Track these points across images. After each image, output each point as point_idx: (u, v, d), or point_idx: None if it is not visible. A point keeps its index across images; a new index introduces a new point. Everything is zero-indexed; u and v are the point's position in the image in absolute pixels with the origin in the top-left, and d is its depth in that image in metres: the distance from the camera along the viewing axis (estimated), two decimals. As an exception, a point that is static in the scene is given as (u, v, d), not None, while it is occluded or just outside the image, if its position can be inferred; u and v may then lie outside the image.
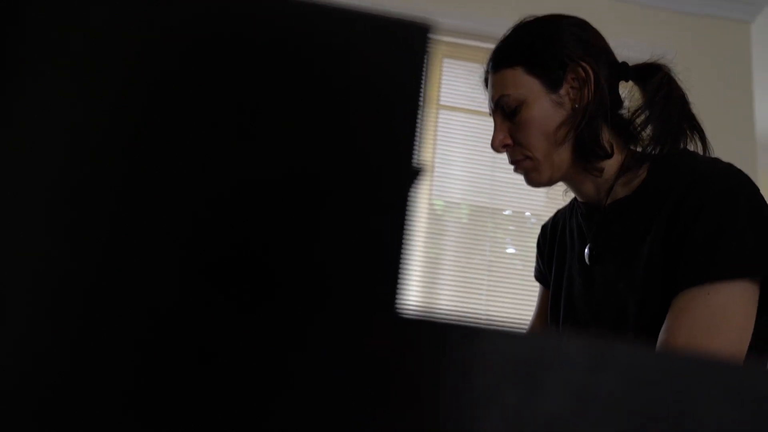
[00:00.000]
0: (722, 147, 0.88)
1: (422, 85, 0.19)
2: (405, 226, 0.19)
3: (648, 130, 0.79)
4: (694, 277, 0.67)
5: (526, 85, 0.80)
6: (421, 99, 0.19)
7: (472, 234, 2.60)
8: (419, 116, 0.19)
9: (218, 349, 0.17)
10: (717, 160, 0.75)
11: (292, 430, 0.17)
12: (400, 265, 0.18)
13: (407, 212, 0.19)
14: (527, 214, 2.65)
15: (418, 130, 0.19)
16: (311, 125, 0.19)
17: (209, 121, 0.18)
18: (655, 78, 0.80)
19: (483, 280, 2.51)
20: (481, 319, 0.18)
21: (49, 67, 0.18)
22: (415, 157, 0.20)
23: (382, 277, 0.18)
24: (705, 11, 2.76)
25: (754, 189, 0.70)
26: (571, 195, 0.90)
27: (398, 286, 0.18)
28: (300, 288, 0.18)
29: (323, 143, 0.18)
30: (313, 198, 0.18)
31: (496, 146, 0.82)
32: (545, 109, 0.79)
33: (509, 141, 0.82)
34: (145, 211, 0.18)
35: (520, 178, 0.86)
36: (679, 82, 0.80)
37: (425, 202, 2.56)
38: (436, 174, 2.59)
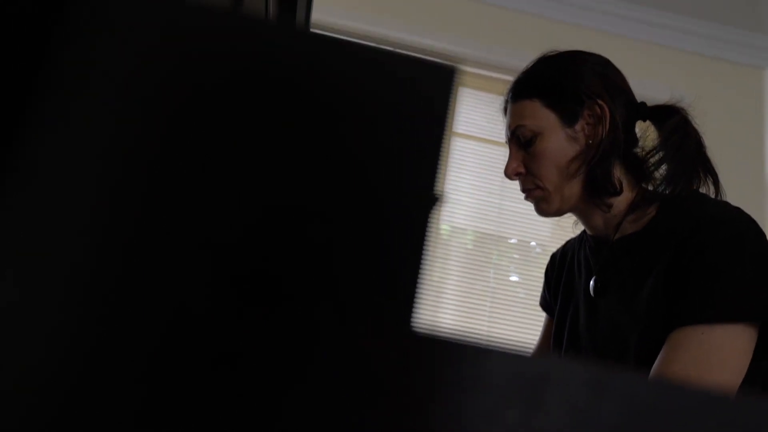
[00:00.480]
0: (732, 191, 0.89)
1: (446, 122, 0.21)
2: (423, 249, 0.20)
3: (661, 170, 0.81)
4: (690, 316, 0.68)
5: (542, 117, 0.82)
6: (445, 135, 0.21)
7: (477, 260, 2.61)
8: (442, 149, 0.21)
9: (235, 351, 0.19)
10: (726, 204, 0.76)
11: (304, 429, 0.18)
12: (416, 285, 0.19)
13: (426, 236, 0.20)
14: (532, 243, 2.65)
15: (440, 161, 0.21)
16: (343, 154, 0.20)
17: (247, 147, 0.20)
18: (671, 120, 0.82)
19: (485, 306, 2.51)
20: (484, 340, 0.20)
21: (88, 83, 0.20)
22: (435, 185, 0.21)
23: (397, 295, 0.19)
24: (720, 55, 2.79)
25: (760, 235, 0.71)
26: (581, 227, 0.92)
27: (413, 304, 0.19)
28: (320, 301, 0.19)
29: (352, 170, 0.20)
30: (339, 218, 0.20)
31: (509, 174, 0.84)
32: (559, 142, 0.81)
33: (522, 170, 0.84)
34: (176, 226, 0.19)
35: (527, 208, 0.87)
36: (695, 126, 0.82)
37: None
38: (444, 199, 2.60)
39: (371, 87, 0.20)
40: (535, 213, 0.87)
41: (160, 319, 0.18)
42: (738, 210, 0.74)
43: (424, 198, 0.21)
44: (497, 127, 0.93)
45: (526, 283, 2.58)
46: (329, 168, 0.20)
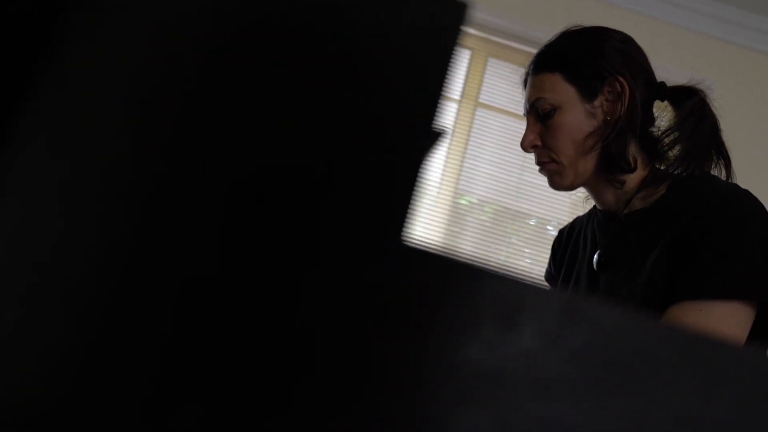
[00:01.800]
0: (750, 178, 0.89)
1: (452, 60, 0.22)
2: (417, 176, 0.22)
3: (675, 151, 0.81)
4: (690, 292, 0.69)
5: (562, 91, 0.82)
6: (449, 73, 0.22)
7: (493, 236, 2.62)
8: (446, 87, 0.22)
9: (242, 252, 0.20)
10: (736, 186, 0.77)
11: (298, 340, 0.20)
12: (408, 207, 0.21)
13: (421, 166, 0.22)
14: (549, 227, 2.65)
15: (443, 98, 0.22)
16: (350, 83, 0.22)
17: (258, 79, 0.21)
18: (689, 101, 0.82)
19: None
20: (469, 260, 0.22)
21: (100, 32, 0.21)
22: (436, 121, 0.23)
23: (391, 213, 0.21)
24: (746, 43, 2.73)
25: (764, 217, 0.72)
26: (592, 203, 0.93)
27: (405, 222, 0.21)
28: (322, 215, 0.21)
29: (357, 99, 0.22)
30: (342, 143, 0.21)
31: (525, 146, 0.86)
32: (577, 117, 0.82)
33: (539, 142, 0.85)
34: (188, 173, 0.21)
35: (546, 186, 0.89)
36: (713, 109, 0.82)
37: (450, 199, 2.59)
38: (464, 171, 2.61)
39: (380, 19, 0.21)
40: (552, 190, 0.88)
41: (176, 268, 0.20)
42: (746, 192, 0.75)
43: (424, 130, 0.22)
44: (522, 99, 0.94)
45: (540, 267, 2.59)
46: (335, 95, 0.21)
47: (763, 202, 0.75)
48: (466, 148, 2.62)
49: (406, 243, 0.21)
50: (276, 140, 0.21)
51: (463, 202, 2.62)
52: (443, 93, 0.22)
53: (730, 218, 0.71)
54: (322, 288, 0.20)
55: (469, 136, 2.62)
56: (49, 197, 0.20)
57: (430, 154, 0.23)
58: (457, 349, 0.21)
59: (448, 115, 2.56)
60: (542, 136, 0.85)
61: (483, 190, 2.62)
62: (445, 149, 2.58)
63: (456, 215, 2.61)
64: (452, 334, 0.21)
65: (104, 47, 0.21)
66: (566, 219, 2.60)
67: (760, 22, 2.69)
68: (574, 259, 0.94)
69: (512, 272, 0.21)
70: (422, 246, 0.20)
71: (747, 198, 0.74)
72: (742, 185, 0.79)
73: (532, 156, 0.88)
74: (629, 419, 0.21)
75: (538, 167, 0.88)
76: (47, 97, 0.21)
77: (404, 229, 0.21)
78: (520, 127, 0.89)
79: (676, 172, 0.81)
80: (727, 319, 0.68)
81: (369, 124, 0.21)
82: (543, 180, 0.89)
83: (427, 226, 2.54)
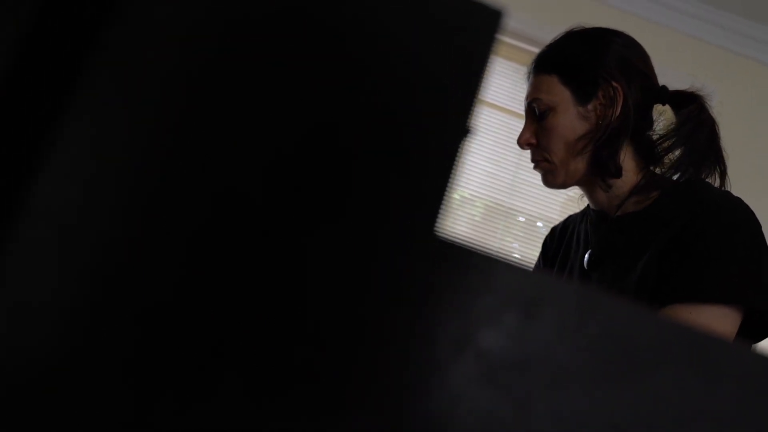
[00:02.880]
0: (749, 187, 0.91)
1: (487, 64, 0.24)
2: (451, 172, 0.23)
3: (672, 156, 0.83)
4: (680, 295, 0.71)
5: (558, 93, 0.84)
6: (485, 74, 0.23)
7: (482, 232, 2.64)
8: (480, 89, 0.24)
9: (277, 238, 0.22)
10: (728, 194, 0.79)
11: (325, 322, 0.22)
12: (442, 201, 0.22)
13: (455, 162, 0.23)
14: (539, 224, 2.68)
15: (477, 98, 0.24)
16: (389, 83, 0.23)
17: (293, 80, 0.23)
18: (688, 107, 0.83)
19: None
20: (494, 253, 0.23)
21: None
22: (469, 119, 0.24)
23: (425, 206, 0.22)
24: (749, 54, 2.76)
25: (755, 225, 0.74)
26: (587, 201, 0.95)
27: (437, 216, 0.22)
28: (359, 207, 0.22)
29: (397, 97, 0.23)
30: (382, 139, 0.22)
31: (521, 144, 0.88)
32: (570, 119, 0.84)
33: (533, 141, 0.87)
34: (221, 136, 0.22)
35: (540, 185, 0.91)
36: (712, 115, 0.84)
37: (443, 192, 2.60)
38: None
39: (417, 25, 0.23)
40: (546, 189, 0.91)
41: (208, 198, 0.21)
42: (739, 200, 0.77)
43: (459, 128, 0.23)
44: (521, 97, 0.96)
45: (529, 263, 2.62)
46: (374, 93, 0.23)
47: (761, 209, 0.77)
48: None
49: (438, 235, 0.22)
50: (315, 133, 0.22)
51: (455, 196, 2.65)
52: (477, 95, 0.23)
53: (722, 223, 0.73)
54: (344, 275, 0.22)
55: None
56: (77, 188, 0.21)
57: (463, 151, 0.24)
58: (479, 336, 0.22)
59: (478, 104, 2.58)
60: (537, 135, 0.87)
61: (476, 186, 2.64)
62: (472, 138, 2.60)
63: (448, 209, 2.62)
64: (474, 321, 0.22)
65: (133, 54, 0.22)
66: (556, 217, 2.63)
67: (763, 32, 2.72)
68: (566, 257, 0.96)
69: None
70: (453, 239, 0.22)
71: (739, 205, 0.76)
72: (740, 192, 0.81)
73: (528, 154, 0.91)
74: (636, 409, 0.23)
75: (533, 165, 0.91)
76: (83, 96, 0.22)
77: (437, 223, 0.22)
78: (519, 125, 0.92)
79: (671, 177, 0.82)
80: (715, 323, 0.70)
81: (406, 122, 0.22)
82: (538, 178, 0.91)
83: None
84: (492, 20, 0.23)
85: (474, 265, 0.22)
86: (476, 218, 2.65)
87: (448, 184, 0.22)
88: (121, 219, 0.20)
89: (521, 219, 2.67)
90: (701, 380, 0.23)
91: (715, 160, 0.82)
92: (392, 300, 0.22)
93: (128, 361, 0.19)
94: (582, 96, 0.84)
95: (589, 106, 0.84)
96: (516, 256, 2.65)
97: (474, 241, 2.58)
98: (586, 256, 0.87)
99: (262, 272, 0.21)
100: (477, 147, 2.63)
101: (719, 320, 0.70)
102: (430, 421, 0.22)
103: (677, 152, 0.82)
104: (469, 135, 0.25)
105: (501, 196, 2.64)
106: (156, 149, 0.21)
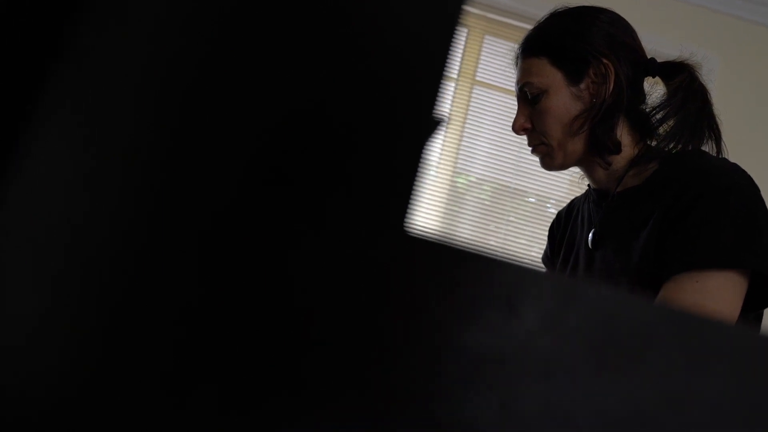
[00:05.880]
0: (755, 156, 0.90)
1: (452, 44, 0.23)
2: (419, 163, 0.22)
3: (666, 127, 0.83)
4: (685, 264, 0.70)
5: (549, 75, 0.84)
6: (450, 58, 0.23)
7: (492, 215, 2.62)
8: (444, 80, 0.23)
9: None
10: (725, 160, 0.78)
11: (304, 323, 0.21)
12: (411, 195, 0.22)
13: (422, 153, 0.22)
14: (548, 206, 2.66)
15: (442, 89, 0.23)
16: (351, 68, 0.22)
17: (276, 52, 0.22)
18: (678, 77, 0.83)
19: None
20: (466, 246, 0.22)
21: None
22: (436, 109, 0.23)
23: (394, 200, 0.21)
24: (754, 18, 2.71)
25: (753, 188, 0.73)
26: (587, 181, 0.94)
27: (407, 210, 0.22)
28: (329, 195, 0.21)
29: (359, 83, 0.22)
30: (344, 126, 0.22)
31: (516, 129, 0.88)
32: (564, 100, 0.83)
33: (529, 125, 0.87)
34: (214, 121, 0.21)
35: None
36: (703, 83, 0.83)
37: (448, 178, 2.59)
38: (462, 150, 2.60)
39: (383, 8, 0.22)
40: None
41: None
42: (735, 165, 0.76)
43: (425, 119, 0.23)
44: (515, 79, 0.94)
45: (539, 245, 2.60)
46: (336, 77, 0.22)
47: (766, 179, 0.75)
48: (463, 127, 2.61)
49: (407, 230, 0.21)
50: (279, 125, 0.21)
51: (461, 181, 2.63)
52: (444, 74, 0.22)
53: (719, 188, 0.72)
54: (325, 273, 0.21)
55: (466, 114, 2.62)
56: (69, 189, 0.21)
57: (431, 140, 0.23)
58: (461, 333, 0.22)
59: (445, 95, 2.56)
60: (532, 119, 0.87)
61: (481, 169, 2.62)
62: (442, 129, 2.58)
63: (454, 195, 2.61)
64: (455, 318, 0.22)
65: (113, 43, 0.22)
66: (565, 196, 2.61)
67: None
68: (573, 239, 0.95)
69: (511, 256, 0.21)
70: (424, 233, 0.21)
71: (736, 170, 0.75)
72: (748, 161, 0.80)
73: (528, 134, 0.90)
74: (624, 396, 0.22)
75: (530, 149, 0.90)
76: (62, 87, 0.21)
77: (406, 217, 0.21)
78: (516, 103, 0.91)
79: (667, 149, 0.82)
80: (723, 290, 0.69)
81: (369, 108, 0.22)
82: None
83: (426, 206, 2.55)
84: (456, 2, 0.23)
85: (448, 260, 0.21)
86: (486, 201, 2.63)
87: (417, 176, 0.22)
88: (95, 225, 0.20)
89: (531, 200, 2.66)
90: (689, 363, 0.22)
91: (708, 127, 0.82)
92: (362, 300, 0.21)
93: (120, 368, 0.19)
94: (574, 76, 0.84)
95: (582, 85, 0.83)
96: (526, 239, 2.64)
97: (484, 226, 2.57)
98: (590, 235, 0.87)
99: (228, 274, 0.20)
100: (477, 129, 2.61)
101: (726, 287, 0.69)
102: (411, 419, 0.21)
103: (671, 123, 0.82)
104: (438, 125, 0.24)
105: (507, 178, 2.62)
106: (136, 147, 0.20)
